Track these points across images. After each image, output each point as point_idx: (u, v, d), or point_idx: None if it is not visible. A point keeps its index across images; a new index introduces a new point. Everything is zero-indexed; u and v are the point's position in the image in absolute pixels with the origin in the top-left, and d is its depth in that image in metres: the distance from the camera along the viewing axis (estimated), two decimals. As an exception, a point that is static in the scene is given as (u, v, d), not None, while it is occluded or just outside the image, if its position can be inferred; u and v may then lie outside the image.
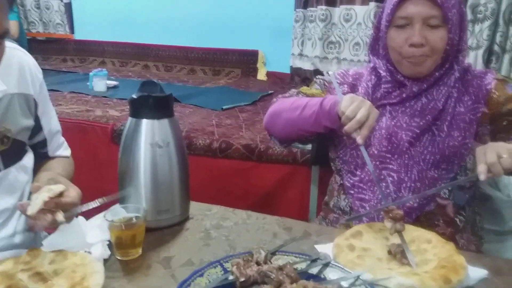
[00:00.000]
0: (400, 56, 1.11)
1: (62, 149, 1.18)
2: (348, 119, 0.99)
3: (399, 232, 0.90)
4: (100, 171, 2.05)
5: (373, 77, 1.22)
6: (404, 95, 1.16)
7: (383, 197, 1.01)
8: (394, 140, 1.16)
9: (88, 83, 2.88)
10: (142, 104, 0.95)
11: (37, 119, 1.05)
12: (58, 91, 2.73)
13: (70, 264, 0.81)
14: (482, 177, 0.94)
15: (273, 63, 3.34)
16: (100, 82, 2.76)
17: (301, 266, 0.82)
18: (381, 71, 1.19)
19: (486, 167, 0.95)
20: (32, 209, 0.80)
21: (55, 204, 0.81)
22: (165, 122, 0.97)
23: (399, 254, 0.87)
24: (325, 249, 0.92)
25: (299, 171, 1.89)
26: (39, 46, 3.85)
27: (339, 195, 1.28)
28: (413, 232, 0.96)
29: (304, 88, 1.34)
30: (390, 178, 1.16)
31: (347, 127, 0.99)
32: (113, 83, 2.90)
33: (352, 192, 1.22)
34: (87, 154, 2.11)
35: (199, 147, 2.00)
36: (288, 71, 3.16)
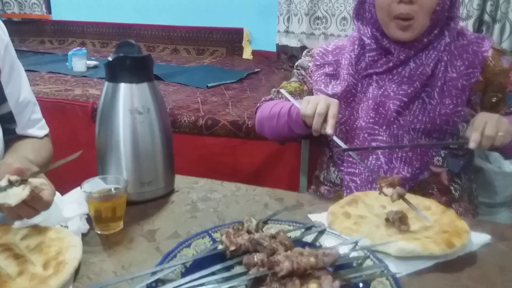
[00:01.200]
0: (388, 16, 1.05)
1: (35, 128, 1.04)
2: (310, 118, 0.99)
3: (402, 197, 0.85)
4: (79, 150, 1.96)
5: (356, 46, 1.16)
6: (391, 64, 1.11)
7: (372, 173, 0.98)
8: (381, 110, 1.12)
9: (67, 64, 2.76)
10: (119, 66, 0.87)
11: (0, 87, 0.94)
12: (35, 71, 2.61)
13: (45, 239, 0.74)
14: (472, 145, 0.92)
15: (259, 41, 3.25)
16: (79, 62, 2.64)
17: (295, 234, 0.77)
18: (366, 38, 1.13)
19: (480, 138, 0.91)
20: (11, 200, 0.71)
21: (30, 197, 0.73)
22: (144, 86, 0.90)
23: (397, 221, 0.83)
24: (319, 218, 0.88)
25: (288, 147, 1.83)
26: (15, 28, 3.66)
27: (329, 167, 1.25)
28: (411, 200, 0.92)
29: (285, 84, 1.32)
30: (380, 150, 1.12)
31: (313, 126, 0.99)
32: (93, 63, 2.78)
33: (342, 167, 1.18)
34: (67, 134, 2.02)
35: (184, 124, 1.93)
36: (274, 49, 3.08)
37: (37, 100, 1.06)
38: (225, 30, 3.29)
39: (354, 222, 0.84)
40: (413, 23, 1.04)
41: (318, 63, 1.24)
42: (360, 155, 1.14)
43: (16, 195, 0.71)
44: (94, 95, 2.15)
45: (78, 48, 2.81)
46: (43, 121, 1.08)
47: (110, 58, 0.88)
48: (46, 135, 1.08)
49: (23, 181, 0.72)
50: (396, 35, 1.07)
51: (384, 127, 1.12)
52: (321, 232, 0.77)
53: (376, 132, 1.13)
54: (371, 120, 1.13)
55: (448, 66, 1.09)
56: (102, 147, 0.92)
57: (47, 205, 0.75)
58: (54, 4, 3.74)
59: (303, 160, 1.70)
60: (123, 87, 0.88)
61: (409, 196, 0.93)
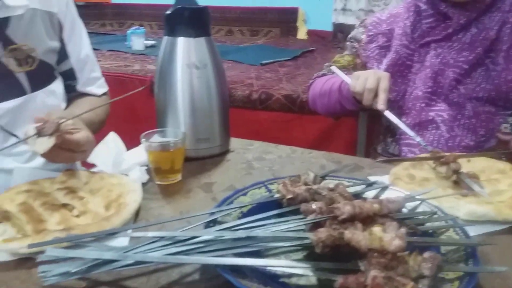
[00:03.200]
0: None
1: (95, 85, 1.07)
2: (361, 94, 0.97)
3: (457, 172, 0.79)
4: (139, 125, 2.01)
5: (411, 13, 1.09)
6: (450, 30, 1.03)
7: (425, 146, 0.92)
8: (440, 78, 1.05)
9: (126, 43, 2.86)
10: (178, 19, 0.87)
11: (62, 43, 0.97)
12: (97, 49, 2.71)
13: (106, 184, 0.76)
14: None
15: (314, 20, 3.19)
16: (138, 40, 2.72)
17: (355, 189, 0.74)
18: (421, 4, 1.06)
19: None
20: (38, 148, 0.72)
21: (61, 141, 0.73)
22: (201, 41, 0.90)
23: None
24: (380, 180, 0.83)
25: (344, 122, 1.78)
26: (78, 11, 3.84)
27: (386, 139, 1.20)
28: (481, 162, 0.86)
29: (337, 58, 1.27)
30: (440, 118, 1.06)
31: (364, 102, 0.97)
32: (151, 42, 2.86)
33: (398, 138, 1.13)
34: (126, 107, 2.09)
35: (237, 98, 1.93)
36: (330, 28, 3.00)
37: None
38: (280, 10, 3.26)
39: (418, 184, 0.79)
40: None
41: (371, 33, 1.18)
42: (418, 126, 1.08)
43: (43, 143, 0.72)
44: (152, 70, 2.20)
45: (137, 27, 2.90)
46: (103, 79, 1.11)
47: (168, 11, 0.88)
48: (104, 93, 1.11)
49: (56, 130, 0.72)
50: None
51: (443, 96, 1.06)
52: (384, 189, 0.73)
53: (433, 102, 1.07)
54: (428, 90, 1.07)
55: None
56: (161, 102, 0.93)
57: (78, 145, 0.76)
58: (114, -13, 3.87)
59: (360, 134, 1.64)
60: (181, 41, 0.88)
61: (479, 159, 0.87)
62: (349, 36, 1.27)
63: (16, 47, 0.87)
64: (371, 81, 0.95)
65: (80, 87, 1.05)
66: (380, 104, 0.94)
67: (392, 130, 1.17)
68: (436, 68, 1.05)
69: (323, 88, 1.17)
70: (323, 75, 1.27)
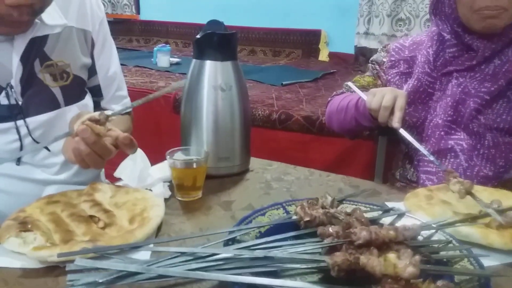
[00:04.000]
0: (471, 10, 0.97)
1: (120, 104, 1.09)
2: (377, 111, 0.97)
3: (469, 192, 0.79)
4: (162, 140, 2.07)
5: (435, 42, 1.10)
6: (474, 61, 1.03)
7: (439, 164, 0.93)
8: (460, 108, 1.06)
9: (152, 59, 2.94)
10: (207, 43, 0.92)
11: (93, 60, 1.02)
12: (124, 65, 2.80)
13: (131, 198, 0.80)
14: None
15: (336, 43, 3.22)
16: (163, 57, 2.80)
17: (372, 215, 0.75)
18: (445, 34, 1.06)
19: None
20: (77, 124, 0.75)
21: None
22: (228, 64, 0.94)
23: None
24: (397, 206, 0.84)
25: (362, 145, 1.79)
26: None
27: (404, 165, 1.21)
28: (494, 193, 0.86)
29: (357, 78, 1.28)
30: (459, 147, 1.06)
31: (379, 119, 0.97)
32: (176, 60, 2.94)
33: (417, 164, 1.13)
34: (150, 123, 2.15)
35: (258, 118, 1.96)
36: (351, 51, 3.03)
37: None
38: (302, 31, 3.31)
39: (427, 203, 0.80)
40: (502, 13, 0.95)
41: (394, 59, 1.20)
42: (436, 154, 1.08)
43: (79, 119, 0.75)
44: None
45: (163, 44, 2.98)
46: (128, 99, 1.14)
47: (198, 36, 0.92)
48: (128, 113, 1.14)
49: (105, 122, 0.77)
50: (481, 27, 0.98)
51: (463, 125, 1.06)
52: (400, 216, 0.75)
53: (453, 131, 1.07)
54: (448, 118, 1.07)
55: None
56: (186, 121, 0.97)
57: (109, 152, 0.77)
58: (142, 5, 4.00)
59: (379, 158, 1.65)
60: (208, 64, 0.92)
61: (492, 190, 0.87)
62: (371, 58, 1.29)
63: (51, 63, 0.92)
64: (387, 98, 0.96)
65: (104, 104, 1.08)
66: (395, 122, 0.94)
67: (410, 157, 1.18)
68: (457, 97, 1.06)
69: (340, 104, 1.18)
70: (342, 93, 1.28)
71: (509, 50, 1.02)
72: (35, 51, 0.89)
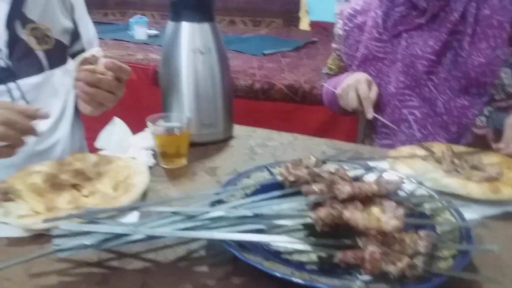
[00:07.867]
0: None
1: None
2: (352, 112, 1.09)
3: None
4: (143, 113, 2.03)
5: (384, 1, 1.07)
6: (423, 20, 1.01)
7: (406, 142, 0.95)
8: (412, 71, 1.04)
9: (129, 32, 2.87)
10: (183, 3, 0.90)
11: (75, 24, 1.03)
12: (99, 38, 2.72)
13: (114, 166, 0.79)
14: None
15: (317, 11, 3.19)
16: (140, 29, 2.74)
17: (355, 173, 0.76)
18: None
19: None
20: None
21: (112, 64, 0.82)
22: (206, 26, 0.92)
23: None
24: (380, 165, 0.86)
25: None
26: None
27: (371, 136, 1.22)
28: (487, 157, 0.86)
29: (329, 63, 1.28)
30: (412, 117, 1.06)
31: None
32: (154, 32, 2.87)
33: (376, 138, 1.15)
34: (129, 96, 2.10)
35: (239, 88, 1.95)
36: (332, 19, 2.98)
37: None
38: (282, 0, 3.26)
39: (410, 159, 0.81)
40: None
41: (348, 28, 1.17)
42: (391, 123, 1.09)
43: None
44: (155, 59, 2.22)
45: (139, 16, 2.90)
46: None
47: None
48: None
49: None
50: None
51: (417, 90, 1.05)
52: (382, 172, 0.76)
53: (407, 97, 1.06)
54: (401, 85, 1.06)
55: (479, 4, 0.98)
56: (166, 87, 0.95)
57: (124, 71, 0.86)
58: (117, -24, 3.86)
59: (360, 124, 1.66)
60: (185, 25, 0.90)
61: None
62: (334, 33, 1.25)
63: (35, 26, 0.92)
64: (352, 100, 1.03)
65: None
66: (367, 115, 1.03)
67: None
68: (406, 61, 1.04)
69: (327, 101, 1.25)
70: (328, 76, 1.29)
71: (452, 1, 0.99)
72: (15, 12, 0.89)
